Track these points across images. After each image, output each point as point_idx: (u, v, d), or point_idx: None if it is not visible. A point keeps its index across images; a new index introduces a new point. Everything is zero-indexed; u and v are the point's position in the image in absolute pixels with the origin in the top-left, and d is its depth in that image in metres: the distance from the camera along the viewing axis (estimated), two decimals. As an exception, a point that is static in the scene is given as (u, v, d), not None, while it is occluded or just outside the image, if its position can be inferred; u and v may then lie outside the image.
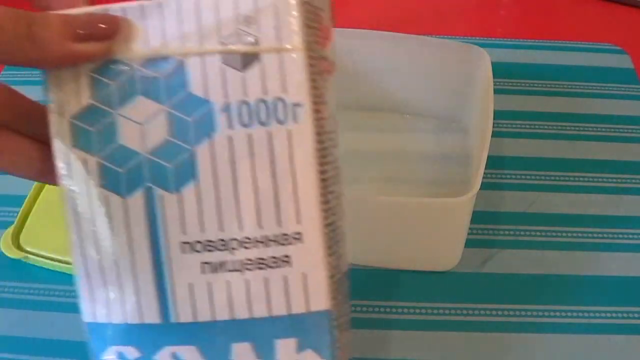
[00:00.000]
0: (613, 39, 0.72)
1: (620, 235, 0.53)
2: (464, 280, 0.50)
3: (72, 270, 0.49)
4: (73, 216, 0.30)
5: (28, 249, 0.50)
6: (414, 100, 0.60)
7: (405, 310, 0.48)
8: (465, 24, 0.79)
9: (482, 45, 0.55)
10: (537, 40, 0.72)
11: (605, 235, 0.53)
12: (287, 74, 0.29)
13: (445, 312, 0.48)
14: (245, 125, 0.29)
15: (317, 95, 0.30)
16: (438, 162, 0.58)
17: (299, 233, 0.30)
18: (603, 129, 0.62)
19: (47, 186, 0.54)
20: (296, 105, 0.29)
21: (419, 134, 0.60)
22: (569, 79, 0.67)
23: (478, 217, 0.51)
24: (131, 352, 0.31)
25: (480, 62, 0.54)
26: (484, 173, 0.45)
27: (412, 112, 0.61)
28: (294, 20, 0.29)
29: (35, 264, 0.50)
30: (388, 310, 0.48)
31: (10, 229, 0.51)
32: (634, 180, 0.57)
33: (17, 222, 0.51)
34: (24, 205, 0.52)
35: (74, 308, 0.47)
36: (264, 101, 0.29)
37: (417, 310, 0.48)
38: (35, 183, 0.53)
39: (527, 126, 0.62)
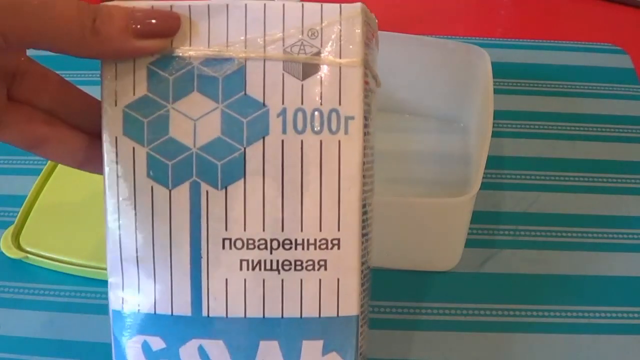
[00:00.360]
0: (613, 39, 0.72)
1: (620, 235, 0.53)
2: (464, 280, 0.50)
3: (72, 270, 0.49)
4: (114, 203, 0.31)
5: (28, 249, 0.50)
6: (414, 100, 0.60)
7: (405, 310, 0.48)
8: (465, 24, 0.79)
9: (482, 45, 0.55)
10: (537, 40, 0.72)
11: (605, 235, 0.53)
12: (344, 87, 0.30)
13: (445, 312, 0.48)
14: (298, 132, 0.30)
15: (367, 110, 0.31)
16: (438, 162, 0.58)
17: (337, 239, 0.31)
18: (603, 129, 0.62)
19: (47, 186, 0.54)
20: (349, 117, 0.30)
21: (419, 134, 0.60)
22: (569, 79, 0.67)
23: (478, 217, 0.51)
24: (156, 342, 0.31)
25: (480, 62, 0.54)
26: (484, 173, 0.45)
27: (412, 112, 0.61)
28: (356, 37, 0.30)
29: (35, 264, 0.50)
30: (388, 310, 0.48)
31: (10, 229, 0.51)
32: (634, 180, 0.57)
33: (17, 222, 0.51)
34: (24, 205, 0.52)
35: (74, 308, 0.48)
36: (319, 111, 0.30)
37: (417, 310, 0.48)
38: (35, 183, 0.53)
39: (527, 126, 0.62)
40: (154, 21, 0.29)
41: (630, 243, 0.52)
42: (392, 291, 0.49)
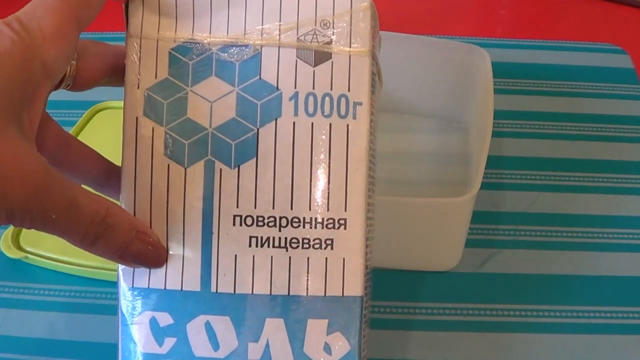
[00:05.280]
0: (613, 39, 0.72)
1: (620, 235, 0.53)
2: (464, 280, 0.50)
3: (72, 270, 0.49)
4: (130, 181, 0.32)
5: (28, 249, 0.50)
6: (414, 100, 0.60)
7: (405, 310, 0.48)
8: (465, 24, 0.79)
9: (482, 45, 0.55)
10: (537, 40, 0.72)
11: (605, 235, 0.53)
12: (353, 74, 0.32)
13: (445, 312, 0.48)
14: (309, 115, 0.32)
15: (373, 98, 0.33)
16: (438, 162, 0.58)
17: (344, 219, 0.32)
18: (603, 129, 0.62)
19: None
20: (357, 103, 0.32)
21: (419, 134, 0.60)
22: (569, 79, 0.67)
23: (478, 217, 0.51)
24: (164, 318, 0.32)
25: (480, 62, 0.54)
26: (484, 173, 0.45)
27: (412, 112, 0.61)
28: (365, 29, 0.32)
29: (35, 264, 0.50)
30: (388, 310, 0.48)
31: (10, 229, 0.51)
32: (634, 180, 0.57)
33: (17, 222, 0.51)
34: (24, 205, 0.52)
35: (74, 308, 0.48)
36: (329, 95, 0.32)
37: (417, 310, 0.48)
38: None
39: (527, 126, 0.62)
40: (144, 258, 0.31)
41: (630, 243, 0.52)
42: (392, 291, 0.49)
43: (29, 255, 0.49)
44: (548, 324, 0.47)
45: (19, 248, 0.50)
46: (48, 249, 0.49)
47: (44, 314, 0.47)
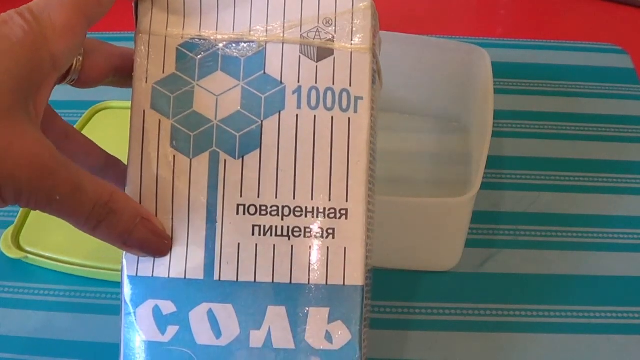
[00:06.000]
0: (613, 39, 0.72)
1: (620, 235, 0.53)
2: (464, 280, 0.50)
3: (72, 270, 0.49)
4: (137, 171, 0.33)
5: (28, 249, 0.50)
6: (414, 100, 0.60)
7: (405, 310, 0.48)
8: (465, 24, 0.79)
9: (482, 45, 0.55)
10: (537, 40, 0.72)
11: (605, 235, 0.53)
12: (354, 70, 0.33)
13: (445, 312, 0.48)
14: (312, 108, 0.33)
15: (373, 94, 0.33)
16: (438, 162, 0.58)
17: (345, 210, 0.32)
18: (603, 129, 0.62)
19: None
20: (358, 98, 0.33)
21: (419, 134, 0.60)
22: (569, 79, 0.67)
23: (478, 217, 0.51)
24: (168, 306, 0.32)
25: (480, 62, 0.54)
26: (484, 173, 0.45)
27: (412, 112, 0.61)
28: (366, 26, 0.34)
29: (35, 264, 0.50)
30: (388, 310, 0.48)
31: (10, 229, 0.51)
32: (634, 180, 0.57)
33: (17, 222, 0.51)
34: (24, 205, 0.52)
35: (74, 308, 0.48)
36: (331, 90, 0.33)
37: (417, 310, 0.48)
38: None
39: (527, 126, 0.62)
40: (148, 245, 0.32)
41: (630, 243, 0.52)
42: (392, 291, 0.49)
43: (29, 255, 0.49)
44: (548, 324, 0.47)
45: (19, 248, 0.50)
46: (48, 249, 0.50)
47: (44, 314, 0.47)
